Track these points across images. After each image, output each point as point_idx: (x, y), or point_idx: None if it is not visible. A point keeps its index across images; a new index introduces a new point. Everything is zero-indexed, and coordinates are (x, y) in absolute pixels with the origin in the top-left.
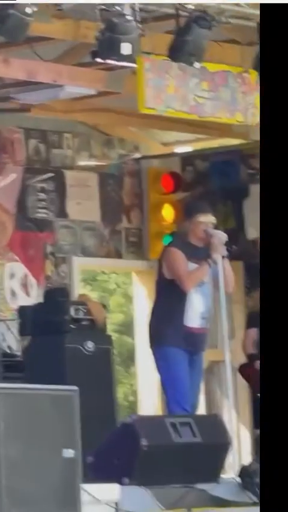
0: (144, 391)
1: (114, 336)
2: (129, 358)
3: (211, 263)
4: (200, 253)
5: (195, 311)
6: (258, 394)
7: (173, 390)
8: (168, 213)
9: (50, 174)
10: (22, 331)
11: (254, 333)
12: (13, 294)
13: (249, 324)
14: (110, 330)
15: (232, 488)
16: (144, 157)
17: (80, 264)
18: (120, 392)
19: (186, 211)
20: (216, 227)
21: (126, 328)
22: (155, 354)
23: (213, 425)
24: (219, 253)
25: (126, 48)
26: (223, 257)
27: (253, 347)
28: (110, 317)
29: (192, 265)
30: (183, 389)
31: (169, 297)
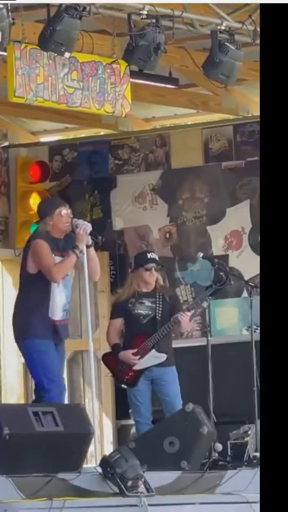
0: (7, 379)
1: None
2: None
3: (78, 253)
4: (62, 246)
5: (57, 304)
6: (122, 385)
7: (49, 380)
8: (35, 202)
9: None
10: None
11: (118, 323)
12: None
13: (113, 314)
14: None
15: (93, 478)
16: (12, 146)
17: None
18: None
19: (42, 212)
20: (82, 217)
21: None
22: (22, 347)
23: (75, 415)
24: (84, 242)
25: None
26: (88, 246)
27: (117, 337)
28: None
29: (57, 258)
30: (57, 378)
31: (33, 291)
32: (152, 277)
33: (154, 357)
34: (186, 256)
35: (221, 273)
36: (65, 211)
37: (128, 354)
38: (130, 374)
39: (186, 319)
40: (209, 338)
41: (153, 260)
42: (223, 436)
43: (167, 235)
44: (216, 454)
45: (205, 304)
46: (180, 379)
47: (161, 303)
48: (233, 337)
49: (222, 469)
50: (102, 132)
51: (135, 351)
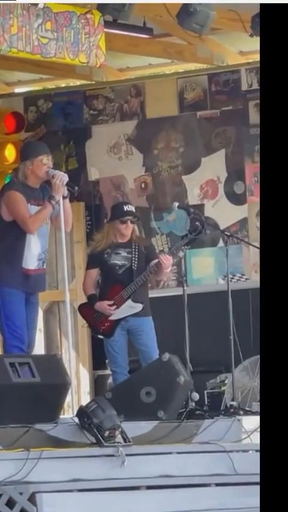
0: None
1: None
2: None
3: (54, 204)
4: (38, 195)
5: (32, 253)
6: (98, 336)
7: (10, 330)
8: (10, 153)
9: None
10: None
11: (94, 273)
12: None
13: (89, 265)
14: None
15: (70, 428)
16: None
17: None
18: None
19: (24, 154)
20: (57, 168)
21: None
22: None
23: (52, 365)
24: (61, 193)
25: None
26: (64, 197)
27: (93, 287)
28: None
29: (32, 208)
30: (19, 329)
31: (7, 239)
32: (128, 230)
33: (130, 307)
34: (161, 206)
35: (196, 223)
36: (46, 159)
37: (103, 305)
38: (106, 324)
39: (168, 262)
40: (185, 288)
41: (129, 213)
42: (200, 385)
43: (143, 185)
44: (193, 404)
45: (181, 254)
46: (156, 329)
47: (136, 253)
48: (209, 287)
49: (199, 418)
50: (77, 82)
51: (111, 302)
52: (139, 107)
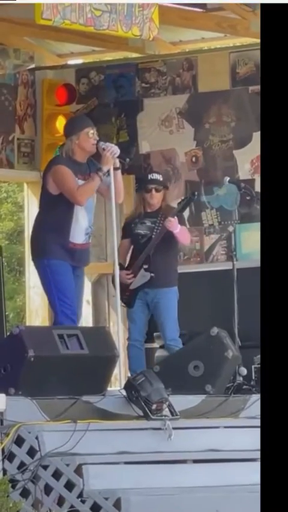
0: (32, 301)
1: (4, 244)
2: (20, 266)
3: (102, 176)
4: (85, 170)
5: (80, 226)
6: (122, 305)
7: (60, 301)
8: (61, 124)
9: None
10: None
11: (126, 243)
12: None
13: (122, 235)
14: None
15: (117, 401)
16: (38, 68)
17: None
18: (11, 303)
19: (69, 129)
20: (108, 140)
21: (16, 237)
22: (39, 266)
23: (100, 338)
24: (110, 165)
25: None
26: (116, 169)
27: (123, 258)
28: (0, 225)
29: (79, 182)
30: (70, 300)
31: (54, 212)
32: (153, 198)
33: (142, 276)
34: (212, 180)
35: (247, 197)
36: (91, 132)
37: (122, 274)
38: (127, 294)
39: (171, 224)
40: (235, 262)
41: (152, 181)
42: (248, 360)
43: (193, 159)
44: (241, 378)
45: (231, 228)
46: (205, 303)
47: (160, 223)
48: (258, 262)
49: (246, 393)
50: (130, 55)
51: (129, 271)
52: (191, 80)
